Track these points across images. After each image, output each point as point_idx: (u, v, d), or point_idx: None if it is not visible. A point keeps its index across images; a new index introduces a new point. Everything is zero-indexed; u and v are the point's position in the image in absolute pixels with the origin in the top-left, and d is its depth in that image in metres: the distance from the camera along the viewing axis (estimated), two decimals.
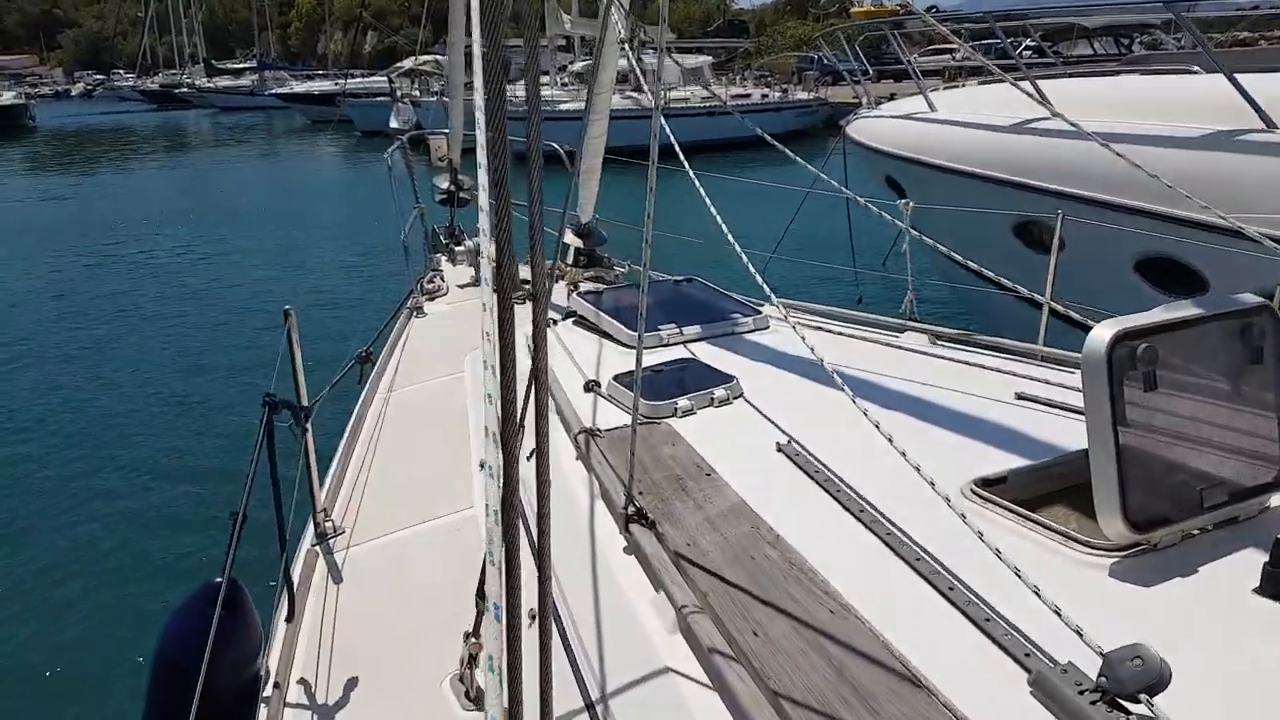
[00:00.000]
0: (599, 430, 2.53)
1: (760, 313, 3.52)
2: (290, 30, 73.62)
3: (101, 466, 6.32)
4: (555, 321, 3.72)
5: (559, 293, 4.61)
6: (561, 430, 2.70)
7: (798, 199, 6.48)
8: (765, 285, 3.46)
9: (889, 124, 8.00)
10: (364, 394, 3.80)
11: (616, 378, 2.86)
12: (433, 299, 4.82)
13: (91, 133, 41.40)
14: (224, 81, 58.24)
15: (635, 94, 28.01)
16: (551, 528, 1.19)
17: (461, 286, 5.02)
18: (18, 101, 44.32)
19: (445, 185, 5.58)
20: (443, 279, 5.04)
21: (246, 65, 59.86)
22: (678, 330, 3.27)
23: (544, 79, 30.57)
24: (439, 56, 37.19)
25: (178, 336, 9.13)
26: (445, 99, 24.63)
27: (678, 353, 3.16)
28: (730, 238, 2.30)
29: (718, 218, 2.89)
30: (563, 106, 25.90)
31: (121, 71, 74.36)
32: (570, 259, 4.09)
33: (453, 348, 4.03)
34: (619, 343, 3.29)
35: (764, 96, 30.63)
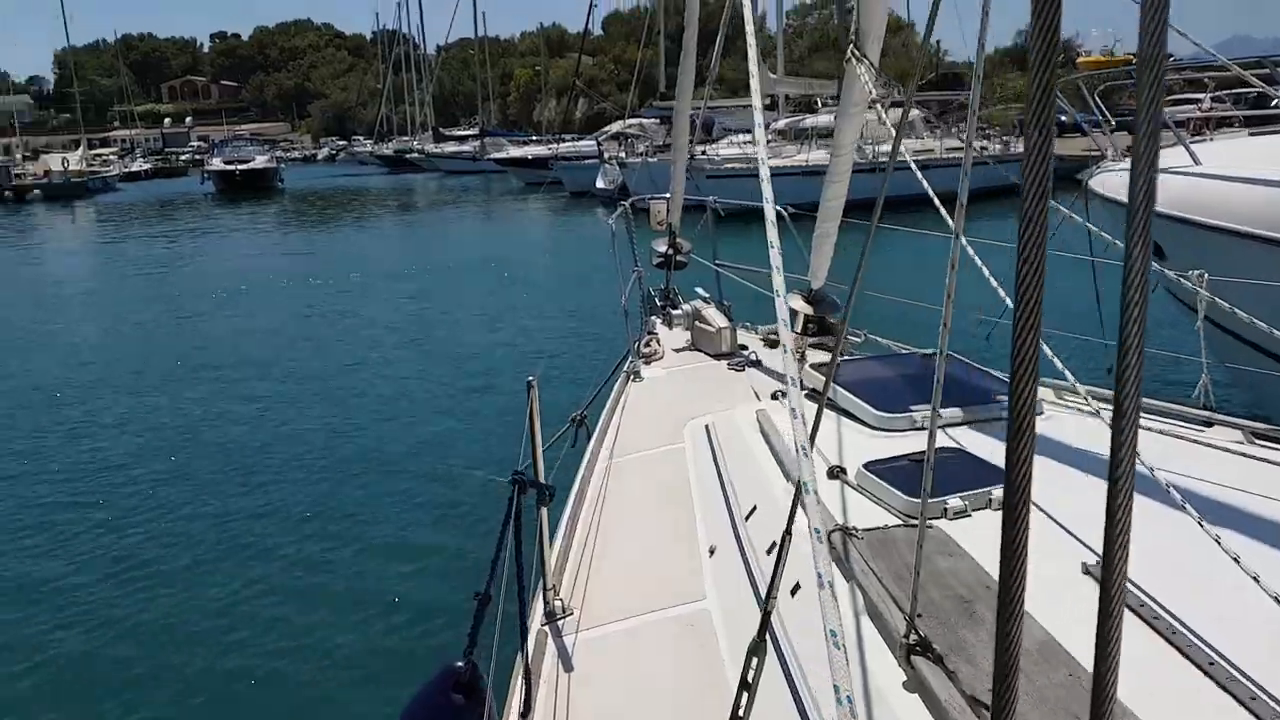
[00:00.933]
0: (855, 529, 2.27)
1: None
2: (509, 100, 78.72)
3: (323, 536, 6.35)
4: (783, 395, 3.51)
5: (779, 362, 4.40)
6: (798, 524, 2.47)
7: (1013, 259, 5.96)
8: (1057, 361, 3.10)
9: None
10: (585, 461, 3.73)
11: (870, 465, 2.58)
12: (649, 363, 4.74)
13: (332, 193, 45.87)
14: (449, 147, 62.65)
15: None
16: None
17: (678, 350, 4.91)
18: (270, 165, 48.53)
19: (663, 249, 5.54)
20: (659, 342, 4.96)
21: (469, 132, 64.29)
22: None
23: (747, 137, 30.94)
24: (644, 120, 38.57)
25: (403, 394, 9.44)
26: (648, 159, 25.05)
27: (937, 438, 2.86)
28: (1003, 300, 2.00)
29: (993, 282, 2.59)
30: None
31: (360, 138, 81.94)
32: (799, 328, 3.89)
33: (671, 415, 3.90)
34: (864, 424, 3.02)
35: (982, 149, 29.34)
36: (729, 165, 25.21)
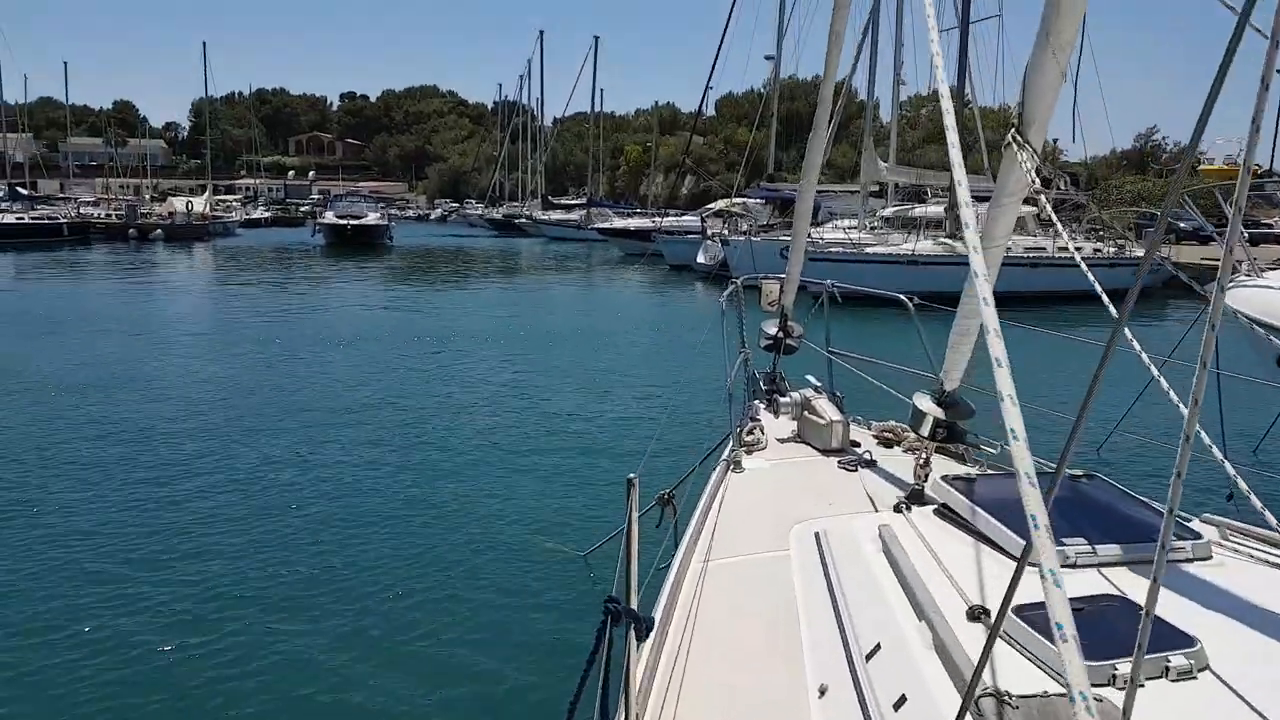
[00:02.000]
0: (1011, 696, 1.86)
1: (1199, 535, 2.68)
2: (618, 173, 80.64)
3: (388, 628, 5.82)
4: (907, 507, 3.10)
5: (902, 466, 3.99)
6: (934, 676, 2.05)
7: (1135, 369, 5.38)
8: (1251, 493, 2.63)
9: None
10: (677, 560, 3.37)
11: (1023, 611, 2.17)
12: (751, 452, 4.38)
13: (439, 251, 47.13)
14: (556, 215, 64.29)
15: (949, 240, 27.08)
16: None
17: (782, 441, 4.54)
18: (380, 223, 48.91)
19: (773, 330, 5.23)
20: (762, 430, 4.59)
21: (577, 202, 65.88)
22: (1089, 549, 2.51)
23: (851, 221, 30.64)
24: (748, 200, 38.77)
25: (487, 469, 8.86)
26: (751, 238, 24.98)
27: (1090, 580, 2.42)
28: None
29: (1172, 395, 2.18)
30: (869, 249, 25.52)
31: (473, 201, 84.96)
32: (927, 431, 3.49)
33: (776, 515, 3.52)
34: (1004, 552, 2.60)
35: (1095, 251, 28.34)
36: (833, 249, 24.87)
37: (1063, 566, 2.49)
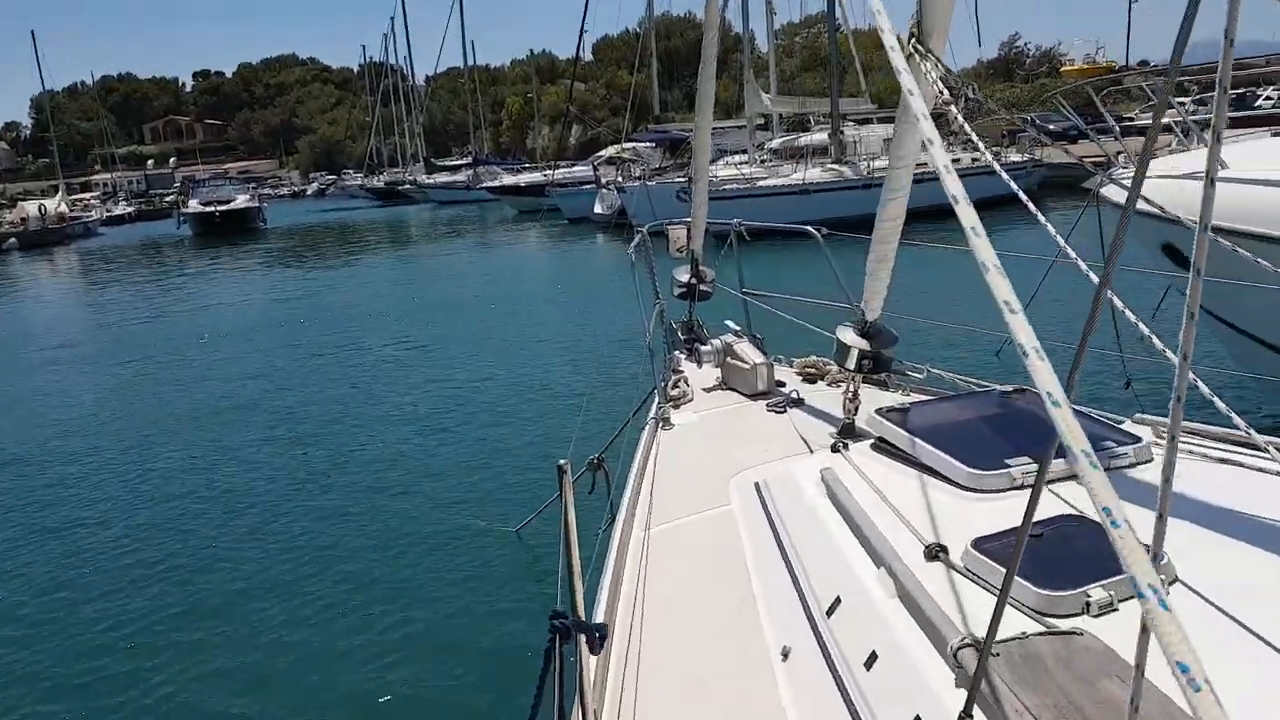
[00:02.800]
0: (991, 644, 1.76)
1: (1138, 438, 2.65)
2: (502, 128, 78.68)
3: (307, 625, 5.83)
4: (844, 445, 3.01)
5: (830, 401, 3.92)
6: (903, 628, 1.95)
7: (1031, 270, 5.44)
8: (1219, 404, 2.61)
9: (1168, 185, 6.77)
10: (617, 531, 3.22)
11: (981, 544, 2.08)
12: (678, 406, 4.25)
13: (320, 229, 45.05)
14: (442, 177, 62.42)
15: (836, 166, 27.39)
16: None
17: (708, 390, 4.42)
18: (251, 205, 45.89)
19: (685, 278, 5.07)
20: (686, 383, 4.46)
21: (462, 162, 64.09)
22: (1033, 466, 2.45)
23: (742, 157, 30.64)
24: (638, 144, 38.36)
25: (407, 454, 8.48)
26: (645, 183, 24.61)
27: (1043, 502, 2.36)
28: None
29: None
30: (762, 183, 25.62)
31: (351, 171, 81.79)
32: (853, 364, 3.39)
33: (712, 469, 3.40)
34: (951, 482, 2.52)
35: (974, 160, 29.13)
36: (727, 186, 24.84)
37: (1010, 489, 2.43)
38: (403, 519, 6.85)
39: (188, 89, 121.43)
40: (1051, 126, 38.58)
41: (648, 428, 3.96)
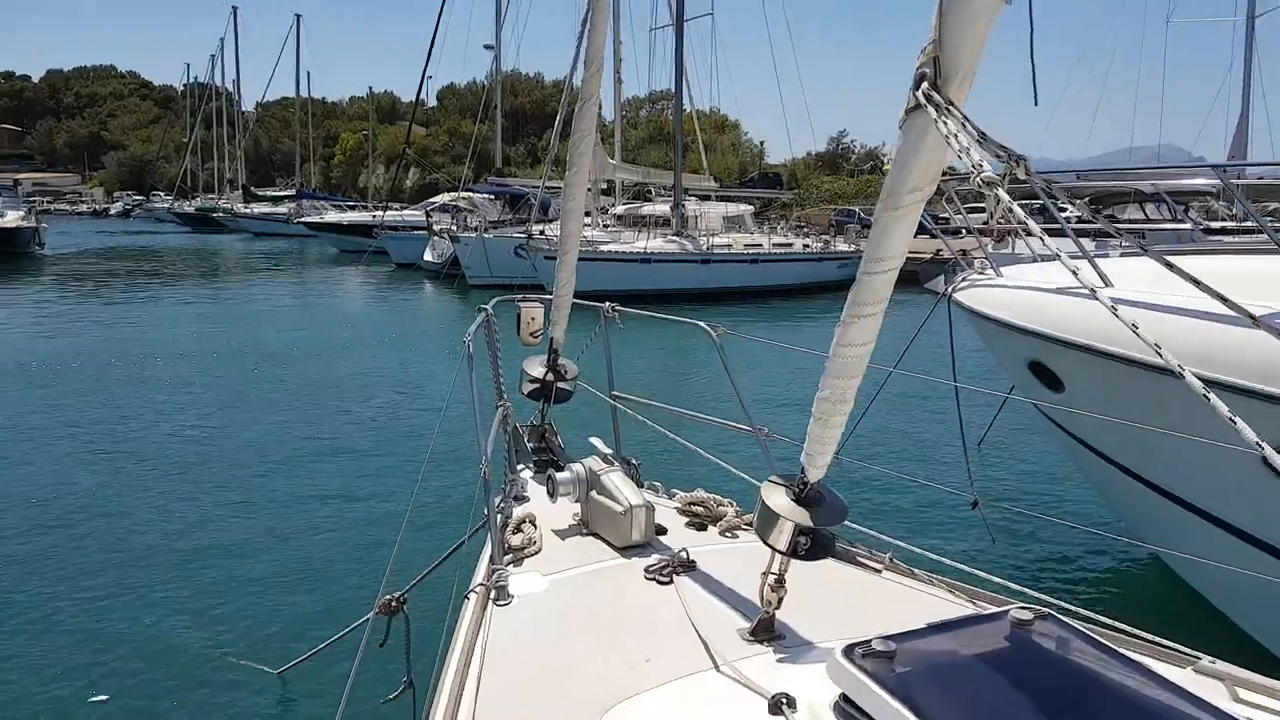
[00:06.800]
0: None
1: None
2: (333, 163, 75.30)
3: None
4: (786, 705, 1.94)
5: (733, 567, 2.86)
6: None
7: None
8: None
9: (1042, 299, 6.21)
10: None
11: None
12: (520, 560, 3.04)
13: (117, 254, 40.23)
14: (261, 208, 58.89)
15: (678, 238, 27.18)
16: None
17: (563, 535, 3.24)
18: (25, 225, 36.74)
19: (539, 371, 3.92)
20: (534, 523, 3.25)
21: (285, 193, 60.63)
22: None
23: (585, 219, 29.97)
24: (475, 194, 37.06)
25: (155, 565, 6.62)
26: (484, 235, 23.39)
27: None
28: None
29: None
30: (603, 248, 25.03)
31: (161, 194, 75.92)
32: (785, 544, 2.35)
33: (569, 694, 2.22)
34: None
35: (805, 247, 29.96)
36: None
37: None
38: (136, 642, 5.21)
39: None
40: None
41: (473, 599, 2.72)
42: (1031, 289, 6.45)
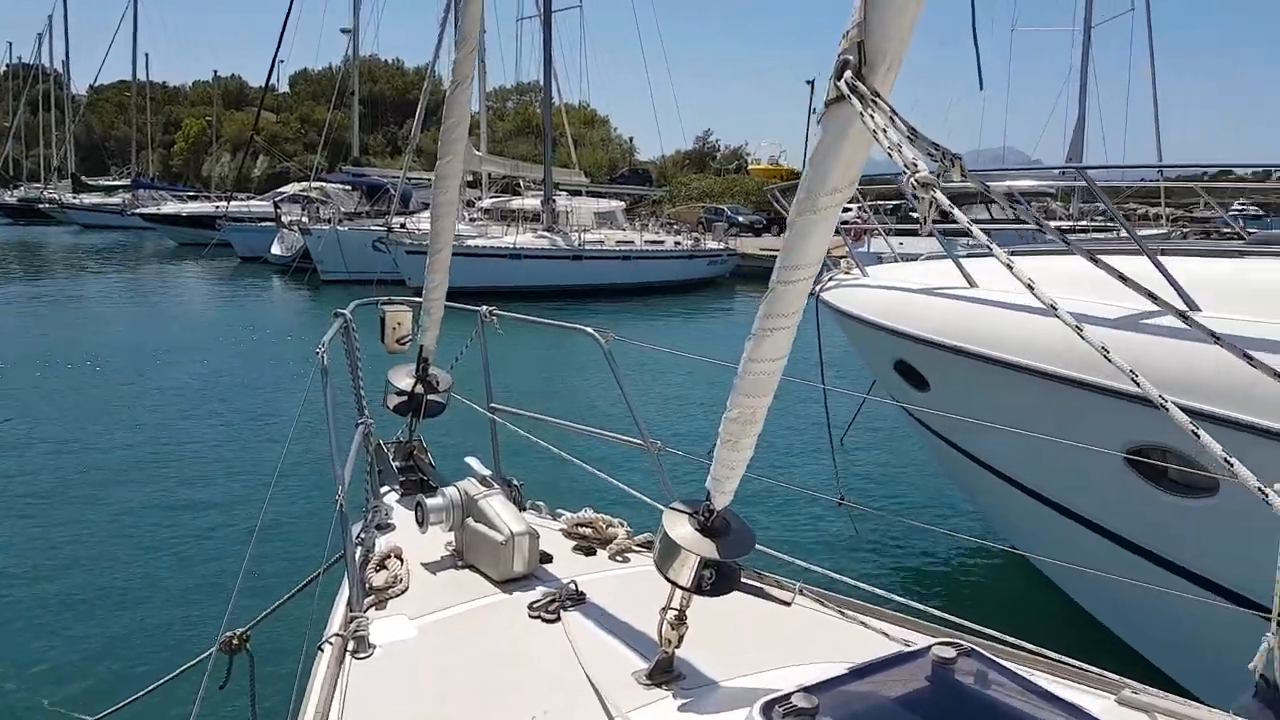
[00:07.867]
0: None
1: None
2: (174, 150, 70.68)
3: None
4: None
5: (626, 596, 2.58)
6: None
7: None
8: None
9: (909, 299, 6.22)
10: None
11: None
12: (383, 601, 2.66)
13: None
14: (93, 198, 54.60)
15: (548, 234, 26.74)
16: None
17: (434, 569, 2.87)
18: None
19: (407, 383, 3.50)
20: (400, 558, 2.87)
21: (120, 183, 56.43)
22: None
23: None
24: (328, 184, 35.40)
25: None
26: (337, 226, 22.24)
27: None
28: None
29: None
30: (470, 243, 24.26)
31: None
32: (688, 579, 2.09)
33: None
34: None
35: (676, 244, 30.07)
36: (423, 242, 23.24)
37: None
38: None
39: None
40: (741, 219, 41.51)
41: (329, 650, 2.33)
42: (897, 289, 6.45)
